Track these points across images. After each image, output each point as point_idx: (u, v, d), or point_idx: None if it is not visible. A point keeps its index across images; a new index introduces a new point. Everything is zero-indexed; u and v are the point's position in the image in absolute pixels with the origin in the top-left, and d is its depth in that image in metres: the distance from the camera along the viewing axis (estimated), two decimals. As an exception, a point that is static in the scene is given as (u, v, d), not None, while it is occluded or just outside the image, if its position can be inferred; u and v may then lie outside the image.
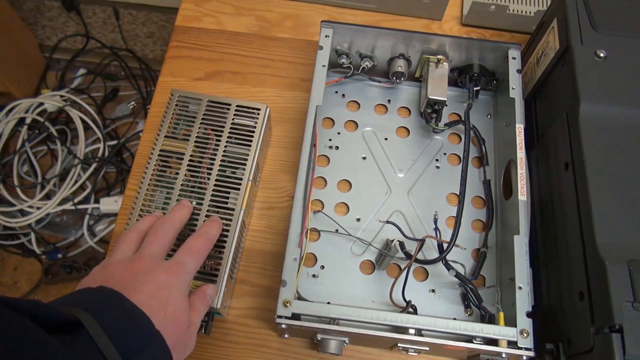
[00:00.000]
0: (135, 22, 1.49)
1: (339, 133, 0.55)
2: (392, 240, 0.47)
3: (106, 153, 1.28)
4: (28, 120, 1.31)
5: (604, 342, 0.33)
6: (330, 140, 0.55)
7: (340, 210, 0.52)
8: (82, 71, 1.46)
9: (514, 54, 0.51)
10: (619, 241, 0.36)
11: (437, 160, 0.54)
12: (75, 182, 1.26)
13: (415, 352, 0.43)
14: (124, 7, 1.49)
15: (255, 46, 0.60)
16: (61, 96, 1.38)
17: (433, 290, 0.48)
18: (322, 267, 0.49)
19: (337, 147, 0.54)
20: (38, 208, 1.22)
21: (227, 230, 0.46)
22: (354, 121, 0.56)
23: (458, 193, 0.50)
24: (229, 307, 0.48)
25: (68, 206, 1.23)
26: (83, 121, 1.30)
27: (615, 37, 0.44)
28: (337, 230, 0.50)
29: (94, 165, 1.27)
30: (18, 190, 1.25)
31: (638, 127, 0.40)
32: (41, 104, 1.36)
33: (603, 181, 0.38)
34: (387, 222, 0.48)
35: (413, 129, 0.56)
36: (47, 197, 1.26)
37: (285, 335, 0.46)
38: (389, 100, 0.57)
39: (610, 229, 0.36)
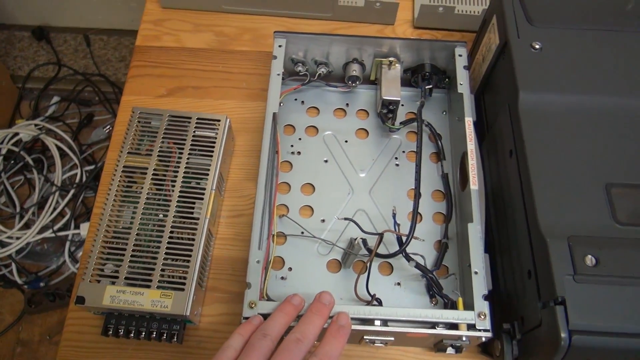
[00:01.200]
0: (107, 47, 1.50)
1: (300, 139, 0.57)
2: (356, 239, 0.49)
3: (84, 178, 1.28)
4: (3, 152, 1.31)
5: (549, 315, 0.35)
6: (292, 146, 0.56)
7: (305, 213, 0.53)
8: (55, 99, 1.46)
9: (460, 51, 0.53)
10: (559, 220, 0.38)
11: (396, 158, 0.56)
12: (54, 209, 1.26)
13: (381, 343, 0.44)
14: (95, 33, 1.51)
15: (215, 60, 0.62)
16: (36, 125, 1.38)
17: (399, 284, 0.50)
18: (290, 269, 0.50)
19: (299, 153, 0.56)
20: (17, 238, 1.22)
21: (193, 239, 0.47)
22: (314, 126, 0.57)
23: (412, 187, 0.52)
24: (200, 314, 0.49)
25: (48, 234, 1.23)
26: (59, 148, 1.30)
27: (550, 30, 0.46)
28: (302, 232, 0.52)
29: (72, 191, 1.27)
30: (-4, 221, 1.25)
31: (574, 111, 0.42)
32: (16, 134, 1.36)
33: (543, 165, 0.40)
34: (346, 219, 0.50)
35: (372, 130, 0.57)
36: (27, 226, 1.26)
37: (257, 338, 0.47)
38: (347, 104, 0.59)
39: (551, 209, 0.38)
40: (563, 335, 0.34)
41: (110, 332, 0.46)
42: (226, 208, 0.54)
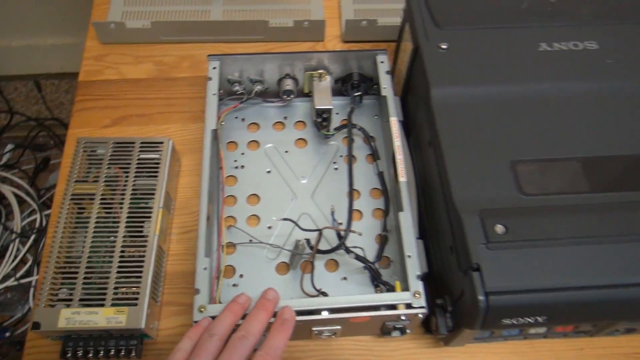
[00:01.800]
0: (58, 91, 1.52)
1: (243, 153, 0.60)
2: (300, 240, 0.52)
3: (44, 223, 1.28)
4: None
5: (468, 282, 0.38)
6: (235, 161, 0.59)
7: (253, 222, 0.56)
8: (9, 147, 1.45)
9: (382, 58, 0.58)
10: (472, 197, 0.41)
11: (334, 162, 0.59)
12: (15, 257, 1.24)
13: (330, 333, 0.47)
14: (45, 78, 1.52)
15: (157, 88, 0.65)
16: (-9, 180, 1.37)
17: (345, 278, 0.52)
18: (241, 276, 0.53)
19: (242, 167, 0.59)
20: (-21, 289, 1.20)
21: (144, 256, 0.49)
22: (255, 141, 0.61)
23: (354, 188, 0.56)
24: (157, 329, 0.51)
25: (11, 282, 1.21)
26: (16, 195, 1.29)
27: (455, 31, 0.51)
28: (250, 240, 0.54)
29: (32, 237, 1.26)
30: (-44, 275, 1.22)
31: (481, 100, 0.47)
32: (-29, 185, 1.35)
33: (455, 149, 0.44)
34: (284, 219, 0.53)
35: (310, 139, 0.61)
36: (-12, 278, 1.24)
37: (213, 343, 0.49)
38: (285, 117, 0.62)
39: (464, 188, 0.42)
40: (481, 297, 0.37)
41: (69, 355, 0.47)
42: (176, 225, 0.56)
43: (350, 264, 0.53)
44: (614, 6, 0.53)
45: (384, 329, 0.48)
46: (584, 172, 0.43)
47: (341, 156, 0.60)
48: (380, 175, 0.58)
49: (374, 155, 0.59)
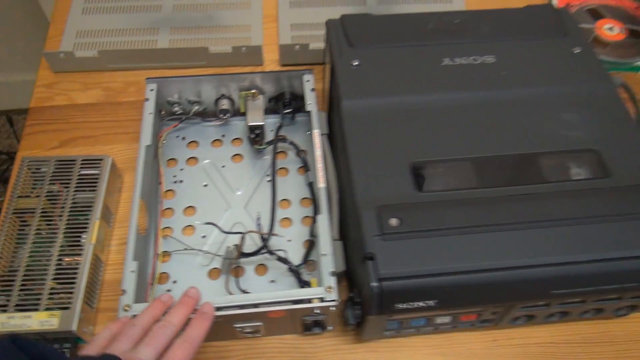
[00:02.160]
0: (30, 125, 1.55)
1: (182, 169, 0.64)
2: (229, 246, 0.55)
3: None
4: None
5: (364, 270, 0.42)
6: (174, 176, 0.63)
7: (188, 232, 0.59)
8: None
9: (308, 77, 0.62)
10: (373, 195, 0.45)
11: (267, 175, 0.63)
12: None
13: (252, 329, 0.50)
14: (17, 113, 1.56)
15: (104, 112, 0.69)
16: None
17: (273, 281, 0.56)
18: (175, 282, 0.56)
19: (181, 181, 0.63)
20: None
21: (79, 263, 0.52)
22: (194, 157, 0.65)
23: (286, 198, 0.60)
24: (92, 333, 0.53)
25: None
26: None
27: (366, 50, 0.56)
28: (185, 249, 0.57)
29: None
30: None
31: (387, 109, 0.51)
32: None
33: (361, 153, 0.48)
34: (207, 223, 0.56)
35: (246, 154, 0.65)
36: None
37: (144, 345, 0.51)
38: (223, 135, 0.67)
39: (366, 187, 0.46)
40: (374, 284, 0.41)
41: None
42: (117, 237, 0.59)
43: (279, 268, 0.56)
44: (510, 25, 0.59)
45: (305, 326, 0.51)
46: (475, 170, 0.47)
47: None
48: (310, 185, 0.62)
49: (305, 168, 0.64)
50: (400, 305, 0.42)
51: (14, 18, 1.27)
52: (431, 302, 0.42)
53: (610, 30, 0.75)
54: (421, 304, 0.42)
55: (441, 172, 0.47)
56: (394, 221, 0.43)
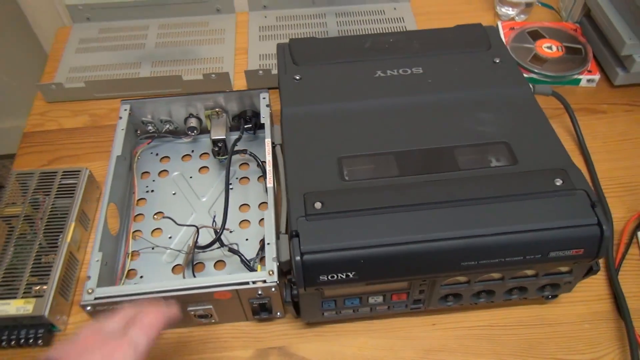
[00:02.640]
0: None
1: (153, 180, 0.71)
2: (190, 244, 0.61)
3: None
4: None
5: (292, 248, 0.47)
6: (147, 187, 0.70)
7: (157, 234, 0.66)
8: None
9: (264, 95, 0.70)
10: (302, 185, 0.51)
11: (230, 183, 0.70)
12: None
13: (204, 312, 0.55)
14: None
15: (89, 134, 0.77)
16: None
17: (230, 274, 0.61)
18: (142, 277, 0.62)
19: (152, 191, 0.70)
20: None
21: (54, 260, 0.59)
22: (165, 170, 0.72)
23: (246, 203, 0.67)
24: (66, 323, 0.59)
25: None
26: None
27: (308, 66, 0.64)
28: (153, 248, 0.64)
29: None
30: None
31: (321, 115, 0.58)
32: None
33: (295, 151, 0.55)
34: (164, 217, 0.63)
35: (212, 166, 0.72)
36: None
37: (110, 331, 0.57)
38: (192, 150, 0.74)
39: (297, 180, 0.52)
40: (297, 258, 0.46)
41: (-15, 344, 0.55)
42: (93, 240, 0.66)
43: (236, 263, 0.62)
44: (439, 41, 0.66)
45: (253, 310, 0.56)
46: (396, 162, 0.53)
47: (237, 178, 0.71)
48: (267, 190, 0.68)
49: (264, 176, 0.70)
50: (323, 277, 0.47)
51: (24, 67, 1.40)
52: (351, 274, 0.47)
53: (549, 48, 0.82)
54: (342, 276, 0.47)
55: (365, 164, 0.54)
56: (317, 205, 0.49)
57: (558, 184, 0.50)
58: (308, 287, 0.48)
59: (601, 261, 0.62)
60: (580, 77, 0.80)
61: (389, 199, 0.50)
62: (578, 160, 0.72)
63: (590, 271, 0.53)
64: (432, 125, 0.57)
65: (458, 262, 0.48)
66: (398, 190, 0.50)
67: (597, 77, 0.80)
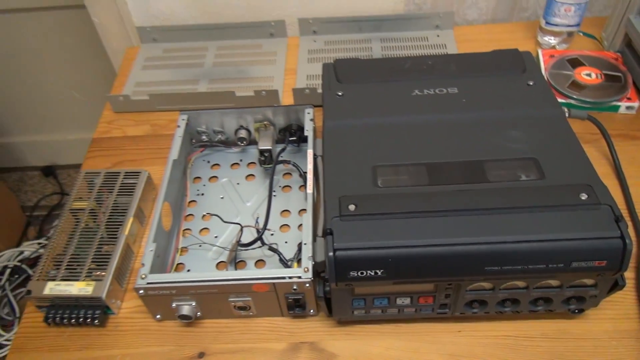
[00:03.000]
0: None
1: (204, 185, 0.77)
2: (234, 242, 0.67)
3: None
4: (10, 266, 1.51)
5: (326, 244, 0.51)
6: (198, 190, 0.76)
7: (204, 233, 0.71)
8: (57, 222, 1.70)
9: (308, 110, 0.75)
10: (339, 189, 0.56)
11: (274, 191, 0.75)
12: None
13: (244, 304, 0.60)
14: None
15: (149, 142, 0.85)
16: (39, 243, 1.60)
17: (268, 273, 0.66)
18: (189, 270, 0.67)
19: (202, 194, 0.76)
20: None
21: (113, 250, 0.65)
22: (215, 176, 0.78)
23: (287, 209, 0.72)
24: (119, 307, 0.65)
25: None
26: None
27: (350, 84, 0.69)
28: (200, 245, 0.70)
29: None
30: (-2, 327, 1.41)
31: (360, 128, 0.63)
32: (21, 252, 1.58)
33: (333, 160, 0.59)
34: (211, 214, 0.68)
35: (257, 175, 0.78)
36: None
37: (158, 316, 0.63)
38: (240, 160, 0.80)
39: (334, 185, 0.56)
40: (330, 254, 0.51)
41: (50, 320, 0.62)
42: (147, 235, 0.72)
43: (275, 263, 0.67)
44: (476, 64, 0.70)
45: (289, 305, 0.60)
46: (428, 172, 0.57)
47: (280, 187, 0.76)
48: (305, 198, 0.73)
49: (305, 186, 0.75)
50: (353, 273, 0.51)
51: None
52: (379, 272, 0.51)
53: (588, 75, 0.84)
54: (371, 273, 0.51)
55: (398, 173, 0.57)
56: (351, 207, 0.54)
57: (583, 198, 0.52)
58: (339, 282, 0.52)
59: (631, 280, 0.63)
60: (619, 103, 0.82)
61: (418, 205, 0.53)
62: (613, 184, 0.73)
63: (616, 286, 0.54)
64: (464, 141, 0.60)
65: (482, 266, 0.51)
66: (427, 198, 0.54)
67: (636, 104, 0.82)
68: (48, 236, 1.65)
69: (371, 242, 0.51)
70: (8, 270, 1.50)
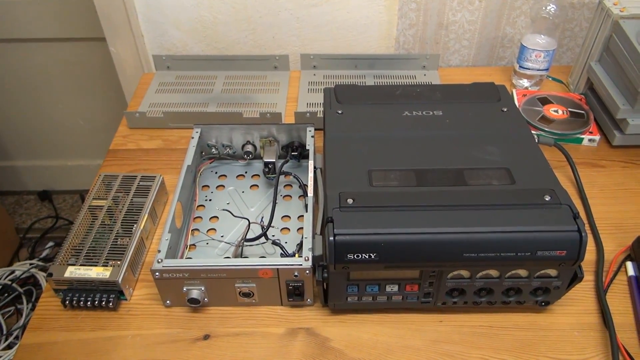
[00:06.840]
0: (97, 200, 1.83)
1: (212, 192, 0.85)
2: (239, 238, 0.74)
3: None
4: (-1, 285, 1.54)
5: (327, 231, 0.59)
6: (206, 196, 0.84)
7: (211, 233, 0.78)
8: (50, 244, 1.74)
9: (310, 128, 0.85)
10: (339, 187, 0.64)
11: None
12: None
13: (248, 291, 0.66)
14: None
15: (162, 155, 0.93)
16: (30, 264, 1.63)
17: (270, 268, 0.73)
18: (196, 264, 0.74)
19: (210, 200, 0.83)
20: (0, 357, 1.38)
21: (128, 243, 0.72)
22: (222, 185, 0.86)
23: (287, 214, 0.79)
24: (131, 294, 0.71)
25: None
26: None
27: (349, 105, 0.79)
28: (207, 242, 0.76)
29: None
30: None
31: (357, 140, 0.72)
32: (12, 271, 1.61)
33: (334, 164, 0.68)
34: (222, 209, 0.75)
35: (261, 185, 0.86)
36: (9, 347, 1.43)
37: (168, 302, 0.68)
38: (246, 172, 0.88)
39: (335, 184, 0.65)
40: (330, 238, 0.58)
41: (67, 302, 0.68)
42: (158, 235, 0.79)
43: (278, 259, 0.73)
44: (457, 93, 0.81)
45: (288, 292, 0.67)
46: (415, 176, 0.66)
47: (281, 196, 0.84)
48: (306, 206, 0.81)
49: (304, 196, 0.83)
50: (350, 256, 0.58)
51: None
52: (372, 255, 0.58)
53: (555, 111, 0.96)
54: (365, 256, 0.58)
55: (390, 176, 0.66)
56: (349, 200, 0.62)
57: (547, 199, 0.61)
58: (337, 265, 0.59)
59: (591, 282, 0.71)
60: (583, 136, 0.93)
61: (407, 201, 0.62)
62: (577, 202, 0.82)
63: (576, 278, 0.62)
64: (447, 153, 0.70)
65: (460, 253, 0.59)
66: (415, 196, 0.62)
67: (597, 137, 0.93)
68: (40, 257, 1.68)
69: (366, 229, 0.59)
70: (-3, 290, 1.53)
